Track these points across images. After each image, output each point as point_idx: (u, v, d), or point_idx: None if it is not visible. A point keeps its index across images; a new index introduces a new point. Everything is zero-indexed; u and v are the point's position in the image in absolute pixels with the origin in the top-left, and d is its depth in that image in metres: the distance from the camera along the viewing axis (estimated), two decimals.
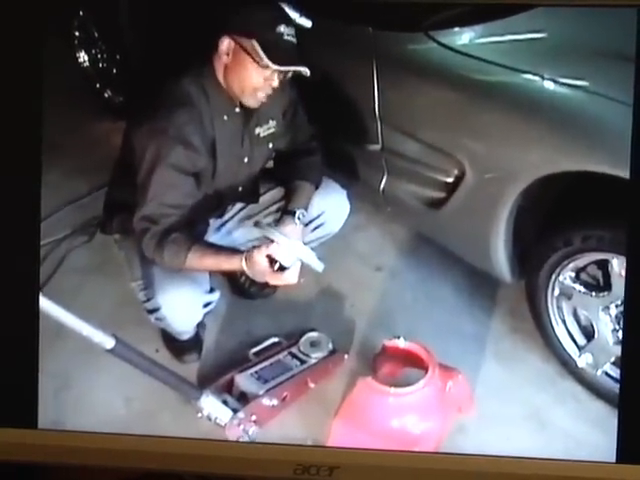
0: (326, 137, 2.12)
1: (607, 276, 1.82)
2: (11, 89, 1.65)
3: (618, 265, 1.77)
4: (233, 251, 1.84)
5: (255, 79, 1.80)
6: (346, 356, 2.07)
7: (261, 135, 1.97)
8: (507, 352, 2.07)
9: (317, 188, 2.06)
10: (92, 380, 2.00)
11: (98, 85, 2.68)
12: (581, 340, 1.94)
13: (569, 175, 1.72)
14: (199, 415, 1.86)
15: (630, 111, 1.58)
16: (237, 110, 1.88)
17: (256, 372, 1.99)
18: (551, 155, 1.74)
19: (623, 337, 1.62)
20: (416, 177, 2.05)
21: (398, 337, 1.93)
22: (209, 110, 1.84)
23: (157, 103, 1.81)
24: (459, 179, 1.93)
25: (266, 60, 1.75)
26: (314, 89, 1.95)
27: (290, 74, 1.84)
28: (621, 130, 1.60)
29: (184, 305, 1.93)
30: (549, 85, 1.72)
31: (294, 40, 1.78)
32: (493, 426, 1.89)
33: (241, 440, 1.84)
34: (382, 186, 2.14)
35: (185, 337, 2.08)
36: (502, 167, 1.84)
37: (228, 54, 1.79)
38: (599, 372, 1.90)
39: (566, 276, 1.89)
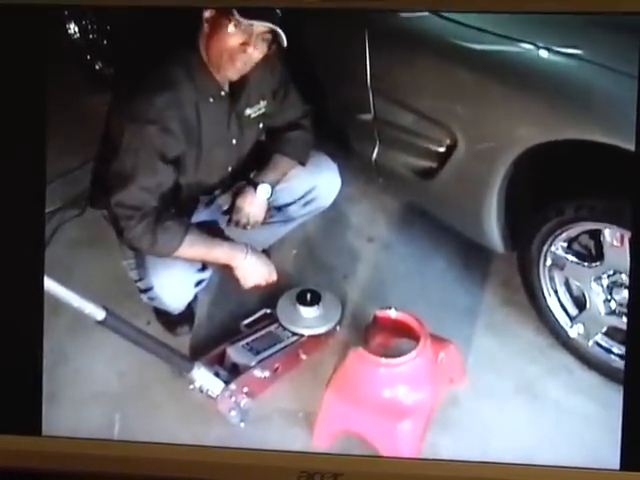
0: (318, 107, 2.10)
1: (599, 246, 1.82)
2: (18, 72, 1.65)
3: (610, 235, 1.77)
4: (229, 244, 1.85)
5: (232, 41, 1.75)
6: (338, 327, 2.07)
7: (252, 116, 1.95)
8: (499, 324, 2.07)
9: (303, 165, 2.05)
10: (85, 355, 2.01)
11: (89, 57, 2.65)
12: (573, 310, 1.93)
13: (561, 144, 1.70)
14: (191, 387, 1.86)
15: (625, 79, 1.57)
16: (223, 93, 1.86)
17: (248, 344, 1.99)
18: (543, 124, 1.72)
19: (627, 337, 1.61)
20: (408, 147, 2.04)
21: (389, 307, 1.92)
22: (194, 93, 1.81)
23: (139, 86, 1.78)
24: (451, 149, 1.92)
25: (237, 16, 1.70)
26: (305, 60, 1.92)
27: (274, 48, 1.80)
28: (616, 98, 1.60)
29: (176, 284, 1.93)
30: (543, 54, 1.70)
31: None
32: (485, 398, 1.89)
33: (233, 417, 1.85)
34: (374, 156, 2.13)
35: (177, 311, 2.07)
36: (494, 136, 1.82)
37: (208, 21, 1.75)
38: (590, 343, 1.90)
39: (558, 246, 1.88)
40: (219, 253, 1.86)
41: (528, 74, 1.73)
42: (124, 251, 1.96)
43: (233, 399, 1.85)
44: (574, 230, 1.84)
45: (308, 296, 2.05)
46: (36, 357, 1.67)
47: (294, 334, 2.03)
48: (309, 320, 2.04)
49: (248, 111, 1.94)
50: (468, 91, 1.83)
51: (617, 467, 1.58)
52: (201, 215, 2.06)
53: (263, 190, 1.99)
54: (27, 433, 1.66)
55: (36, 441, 1.66)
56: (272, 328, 2.05)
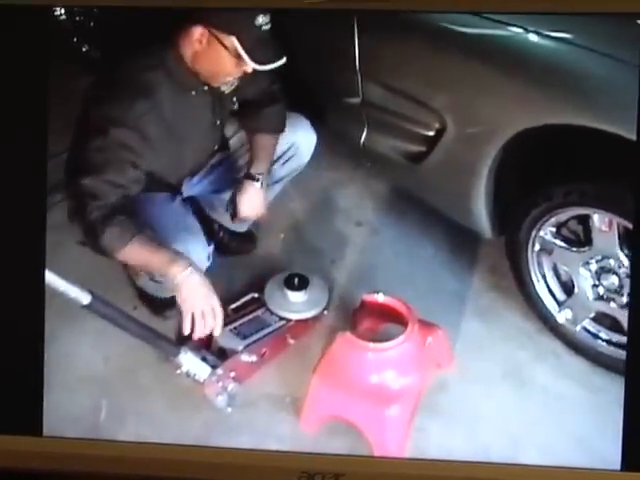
0: (306, 90, 2.10)
1: (588, 231, 1.81)
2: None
3: (599, 220, 1.76)
4: (175, 254, 1.79)
5: (230, 69, 1.79)
6: (325, 312, 2.06)
7: (226, 92, 1.93)
8: (487, 309, 2.06)
9: (283, 132, 2.04)
10: (71, 339, 1.99)
11: (75, 39, 2.61)
12: (561, 296, 1.93)
13: (551, 129, 1.69)
14: (178, 372, 1.85)
15: (615, 62, 1.57)
16: (205, 88, 1.86)
17: (235, 328, 1.98)
18: (533, 108, 1.72)
19: (628, 337, 1.60)
20: (397, 131, 2.03)
21: (377, 292, 1.91)
22: (175, 91, 1.81)
23: (119, 88, 1.78)
24: (440, 132, 1.91)
25: (248, 60, 1.73)
26: (293, 42, 1.90)
27: None
28: (605, 82, 1.60)
29: (198, 254, 1.89)
30: (533, 38, 1.69)
31: (270, 27, 1.73)
32: (473, 383, 1.89)
33: (220, 402, 1.84)
34: (362, 140, 2.12)
35: (164, 295, 2.04)
36: (483, 120, 1.82)
37: (201, 42, 1.75)
38: (578, 328, 1.90)
39: (547, 231, 1.88)
40: (159, 261, 1.77)
41: (518, 58, 1.72)
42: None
43: (220, 384, 1.84)
44: (563, 215, 1.83)
45: (296, 280, 2.04)
46: (37, 357, 1.67)
47: (281, 318, 2.03)
48: (297, 304, 2.04)
49: (223, 88, 1.91)
50: (458, 75, 1.82)
51: (603, 451, 1.60)
52: (192, 190, 2.08)
53: (262, 182, 2.01)
54: (27, 433, 1.65)
55: (36, 442, 1.65)
56: (259, 312, 2.05)
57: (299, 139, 2.09)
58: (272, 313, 2.04)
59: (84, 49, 2.60)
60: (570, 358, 1.93)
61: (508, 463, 1.63)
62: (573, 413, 1.81)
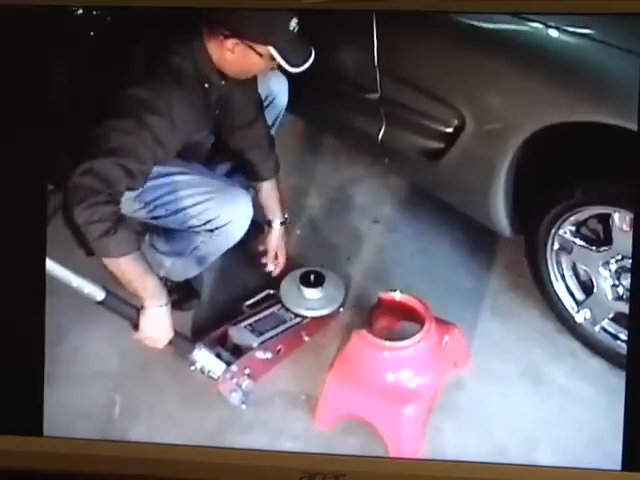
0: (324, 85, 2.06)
1: (608, 230, 1.79)
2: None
3: (620, 219, 1.74)
4: (161, 286, 1.75)
5: (260, 69, 1.82)
6: (341, 309, 2.05)
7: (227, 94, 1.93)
8: (505, 308, 2.05)
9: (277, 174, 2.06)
10: (85, 334, 1.98)
11: (92, 33, 2.60)
12: (580, 295, 1.91)
13: (571, 127, 1.67)
14: (192, 368, 1.84)
15: (637, 60, 1.54)
16: (223, 83, 1.85)
17: (250, 325, 1.97)
18: (553, 105, 1.70)
19: (628, 337, 1.59)
20: (415, 127, 2.01)
21: (394, 290, 1.90)
22: (197, 84, 1.80)
23: (150, 69, 1.74)
24: (459, 129, 1.89)
25: (286, 65, 1.74)
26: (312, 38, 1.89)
27: None
28: (628, 79, 1.56)
29: (247, 212, 1.89)
30: (554, 33, 1.67)
31: (299, 28, 1.73)
32: (490, 383, 1.87)
33: (234, 398, 1.83)
34: (380, 136, 2.10)
35: (184, 278, 2.05)
36: (503, 117, 1.80)
37: (233, 51, 1.75)
38: (597, 328, 1.88)
39: (566, 230, 1.85)
40: (145, 285, 1.71)
41: (538, 54, 1.70)
42: (176, 204, 1.88)
43: (234, 380, 1.83)
44: (583, 214, 1.81)
45: (312, 277, 2.03)
46: (37, 357, 1.66)
47: (297, 315, 2.02)
48: (312, 302, 2.03)
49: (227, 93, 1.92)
50: (477, 71, 1.80)
51: (619, 454, 1.56)
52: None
53: (279, 225, 2.06)
54: (28, 434, 1.65)
55: (37, 442, 1.65)
56: (275, 309, 2.04)
57: (272, 87, 2.11)
58: (288, 310, 2.03)
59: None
60: (588, 359, 1.91)
61: (508, 463, 1.64)
62: (591, 415, 1.79)
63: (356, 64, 2.06)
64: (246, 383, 1.84)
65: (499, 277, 2.12)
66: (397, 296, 1.89)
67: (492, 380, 1.87)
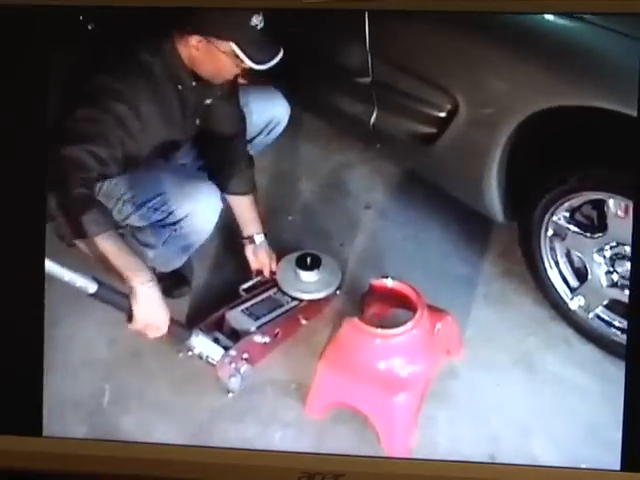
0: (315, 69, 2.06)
1: (603, 217, 1.77)
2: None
3: (614, 205, 1.72)
4: (142, 264, 1.75)
5: (231, 70, 1.82)
6: (338, 292, 2.03)
7: (209, 104, 1.97)
8: (498, 295, 2.03)
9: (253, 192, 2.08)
10: (76, 321, 1.96)
11: (81, 17, 2.57)
12: (574, 282, 1.89)
13: (566, 111, 1.65)
14: (190, 354, 1.83)
15: (636, 45, 1.52)
16: (194, 84, 1.87)
17: (247, 309, 1.96)
18: (548, 89, 1.68)
19: (627, 338, 1.57)
20: (407, 111, 1.99)
21: (386, 277, 1.88)
22: (163, 81, 1.82)
23: (119, 63, 1.78)
24: (452, 114, 1.87)
25: (249, 62, 1.75)
26: (303, 22, 1.87)
27: None
28: (624, 64, 1.54)
29: (210, 205, 1.89)
30: (549, 16, 1.64)
31: (264, 24, 1.74)
32: (483, 370, 1.86)
33: (233, 383, 1.82)
34: (372, 121, 2.08)
35: (171, 268, 2.04)
36: (496, 101, 1.78)
37: (198, 48, 1.78)
38: (591, 315, 1.86)
39: (560, 216, 1.84)
40: (126, 264, 1.72)
41: (532, 37, 1.67)
42: (137, 198, 1.90)
43: (233, 365, 1.82)
44: (577, 200, 1.79)
45: (308, 260, 2.02)
46: (37, 357, 1.65)
47: (294, 299, 2.01)
48: (309, 285, 2.02)
49: (207, 101, 1.95)
50: (470, 54, 1.78)
51: (615, 442, 1.55)
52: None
53: (263, 238, 2.07)
54: (28, 434, 1.64)
55: (37, 442, 1.64)
56: (271, 293, 2.03)
57: (277, 112, 2.13)
58: (284, 293, 2.02)
59: (89, 27, 2.56)
60: (582, 346, 1.89)
61: (506, 463, 1.63)
62: (584, 402, 1.78)
63: (347, 47, 2.04)
64: (244, 367, 1.83)
65: (492, 264, 2.10)
66: (389, 283, 1.87)
67: (485, 368, 1.86)
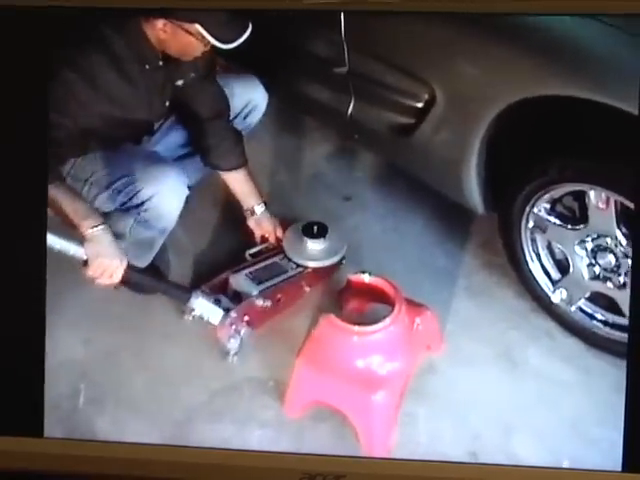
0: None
1: (584, 208, 1.74)
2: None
3: (595, 197, 1.69)
4: (91, 210, 1.79)
5: (198, 50, 1.81)
6: (344, 262, 2.04)
7: (181, 85, 1.96)
8: (479, 287, 1.99)
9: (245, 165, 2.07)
10: (50, 321, 1.93)
11: None
12: (555, 275, 1.87)
13: (546, 101, 1.62)
14: (191, 317, 1.87)
15: (617, 34, 1.49)
16: (160, 63, 1.86)
17: (251, 273, 1.98)
18: (526, 79, 1.65)
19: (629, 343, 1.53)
20: (384, 102, 1.95)
21: (363, 272, 1.85)
22: (127, 59, 1.81)
23: (77, 34, 1.76)
24: (430, 104, 1.84)
25: (216, 43, 1.75)
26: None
27: None
28: (606, 53, 1.53)
29: (175, 188, 1.90)
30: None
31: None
32: (463, 365, 1.83)
33: (232, 344, 1.84)
34: (350, 111, 2.04)
35: (144, 262, 2.01)
36: (474, 91, 1.74)
37: (165, 31, 1.78)
38: (573, 308, 1.84)
39: (541, 208, 1.80)
40: (74, 209, 1.76)
41: (510, 24, 1.64)
42: (100, 183, 1.91)
43: (233, 327, 1.85)
44: (558, 191, 1.76)
45: (315, 228, 2.04)
46: (38, 358, 1.65)
47: (298, 266, 2.02)
48: (314, 252, 2.03)
49: (179, 82, 1.95)
50: (446, 43, 1.74)
51: (598, 437, 1.59)
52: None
53: (263, 208, 2.08)
54: (29, 435, 1.63)
55: (38, 443, 1.63)
56: (277, 259, 2.05)
57: (255, 96, 2.12)
58: (289, 260, 2.04)
59: None
60: (565, 339, 1.86)
61: (505, 464, 1.61)
62: (567, 397, 1.76)
63: (323, 37, 1.99)
64: (244, 330, 1.85)
65: (473, 256, 2.06)
66: (366, 278, 1.84)
67: (466, 363, 1.83)
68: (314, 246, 2.03)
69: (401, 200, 2.19)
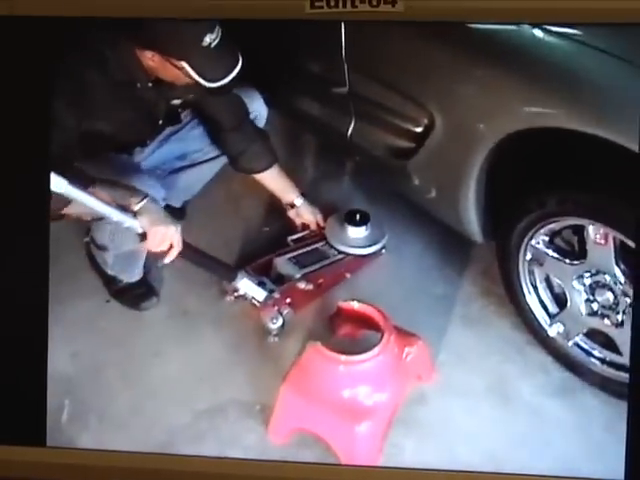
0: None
1: (583, 243, 1.69)
2: None
3: (594, 232, 1.64)
4: (133, 189, 1.79)
5: (187, 79, 1.77)
6: (384, 251, 2.11)
7: (177, 104, 1.97)
8: (475, 316, 1.96)
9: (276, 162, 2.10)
10: None
11: None
12: (553, 308, 1.82)
13: (547, 133, 1.57)
14: (234, 297, 1.96)
15: (622, 66, 1.45)
16: (150, 85, 1.85)
17: (294, 257, 2.07)
18: (528, 109, 1.60)
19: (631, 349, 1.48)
20: (384, 124, 1.93)
21: (353, 299, 1.82)
22: (122, 76, 1.81)
23: (74, 50, 1.74)
24: (429, 129, 1.81)
25: (201, 81, 1.74)
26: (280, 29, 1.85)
27: None
28: (609, 86, 1.48)
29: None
30: (538, 33, 1.56)
31: (219, 42, 1.71)
32: (455, 396, 1.79)
33: (274, 325, 1.90)
34: (350, 132, 2.02)
35: (133, 280, 2.04)
36: (474, 119, 1.70)
37: (154, 60, 1.77)
38: (570, 343, 1.79)
39: (539, 240, 1.76)
40: (118, 195, 1.77)
41: (513, 54, 1.60)
42: None
43: (276, 308, 1.91)
44: (556, 224, 1.72)
45: (357, 216, 2.10)
46: (40, 367, 1.63)
47: (340, 252, 2.10)
48: (356, 240, 2.11)
49: (174, 102, 1.95)
50: (447, 69, 1.72)
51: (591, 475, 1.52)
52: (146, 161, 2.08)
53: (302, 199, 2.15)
54: (31, 444, 1.61)
55: (40, 452, 1.61)
56: (319, 245, 2.13)
57: (255, 106, 2.12)
58: (331, 247, 2.11)
59: None
60: (560, 375, 1.82)
61: (506, 473, 1.56)
62: (559, 435, 1.71)
63: (324, 56, 1.98)
64: (287, 311, 1.91)
65: (472, 283, 2.03)
66: (355, 305, 1.81)
67: (456, 394, 1.79)
68: (356, 234, 2.10)
69: (400, 222, 2.17)
